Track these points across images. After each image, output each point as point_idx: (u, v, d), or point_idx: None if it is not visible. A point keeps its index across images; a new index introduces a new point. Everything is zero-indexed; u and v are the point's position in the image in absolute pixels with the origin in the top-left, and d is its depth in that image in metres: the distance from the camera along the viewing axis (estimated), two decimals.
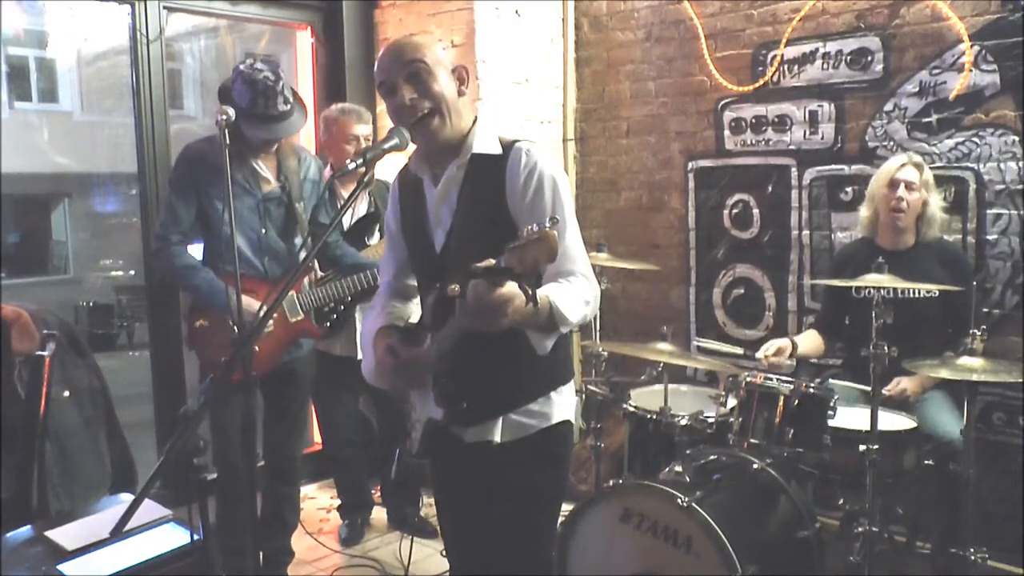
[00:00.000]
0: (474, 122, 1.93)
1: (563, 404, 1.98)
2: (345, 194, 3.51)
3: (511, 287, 1.52)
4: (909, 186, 3.05)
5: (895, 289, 2.91)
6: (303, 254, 3.04)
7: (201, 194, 2.91)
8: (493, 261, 1.49)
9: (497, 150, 1.89)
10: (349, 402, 3.70)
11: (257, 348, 2.89)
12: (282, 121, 2.86)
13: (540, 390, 1.94)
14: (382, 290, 2.16)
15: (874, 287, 2.69)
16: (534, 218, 1.72)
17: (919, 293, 3.04)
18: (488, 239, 1.57)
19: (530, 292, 1.52)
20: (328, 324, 3.36)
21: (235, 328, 2.88)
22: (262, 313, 2.81)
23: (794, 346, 3.17)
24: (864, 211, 3.22)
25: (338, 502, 3.87)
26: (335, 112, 3.48)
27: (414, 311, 2.13)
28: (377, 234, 3.46)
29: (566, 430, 2.00)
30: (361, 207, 3.48)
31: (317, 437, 4.48)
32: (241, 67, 2.80)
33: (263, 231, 2.98)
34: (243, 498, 2.85)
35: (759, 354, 3.13)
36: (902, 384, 2.96)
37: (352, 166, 1.77)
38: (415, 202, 2.01)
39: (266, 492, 3.17)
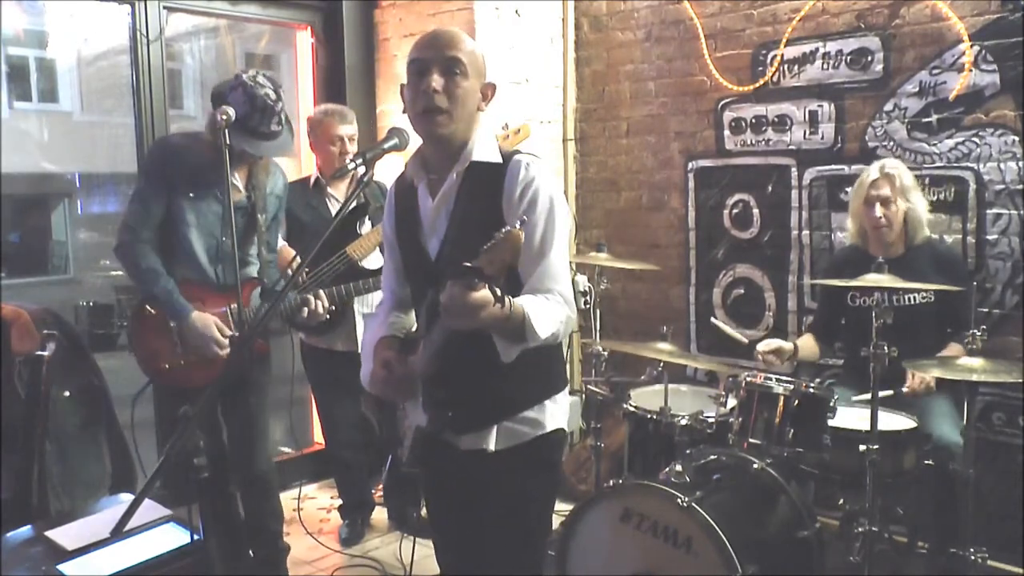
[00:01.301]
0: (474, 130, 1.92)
1: (557, 412, 1.98)
2: (334, 192, 3.53)
3: (484, 293, 1.53)
4: (885, 202, 3.02)
5: (890, 296, 2.90)
6: (294, 261, 3.03)
7: (171, 189, 2.82)
8: (468, 264, 1.50)
9: (497, 159, 1.88)
10: (350, 400, 3.70)
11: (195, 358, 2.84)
12: (270, 140, 2.81)
13: (535, 398, 1.94)
14: (385, 300, 2.16)
15: (870, 292, 2.68)
16: (523, 231, 1.73)
17: (915, 300, 3.03)
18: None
19: (499, 293, 1.53)
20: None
21: (177, 340, 2.82)
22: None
23: (795, 349, 3.17)
24: (850, 223, 3.22)
25: (338, 502, 3.87)
26: (318, 114, 3.51)
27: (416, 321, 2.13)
28: (368, 223, 3.47)
29: (559, 437, 2.00)
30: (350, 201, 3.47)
31: (318, 437, 4.48)
32: (244, 76, 2.74)
33: (223, 239, 2.91)
34: (222, 503, 2.83)
35: (759, 347, 3.14)
36: (918, 375, 2.89)
37: (352, 166, 1.78)
38: (410, 209, 2.00)
39: (246, 506, 3.09)
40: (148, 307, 2.86)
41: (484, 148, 1.89)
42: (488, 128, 1.96)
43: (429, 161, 1.94)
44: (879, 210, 3.03)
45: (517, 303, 1.67)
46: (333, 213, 3.41)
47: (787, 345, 3.15)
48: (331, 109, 3.51)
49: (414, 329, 2.06)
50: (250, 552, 3.07)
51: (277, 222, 3.11)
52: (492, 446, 1.91)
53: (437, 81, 1.80)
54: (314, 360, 3.60)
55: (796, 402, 2.72)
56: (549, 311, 1.76)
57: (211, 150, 2.77)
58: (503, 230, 1.50)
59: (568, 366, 4.05)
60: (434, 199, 1.93)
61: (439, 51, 1.82)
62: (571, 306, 1.84)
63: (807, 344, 3.31)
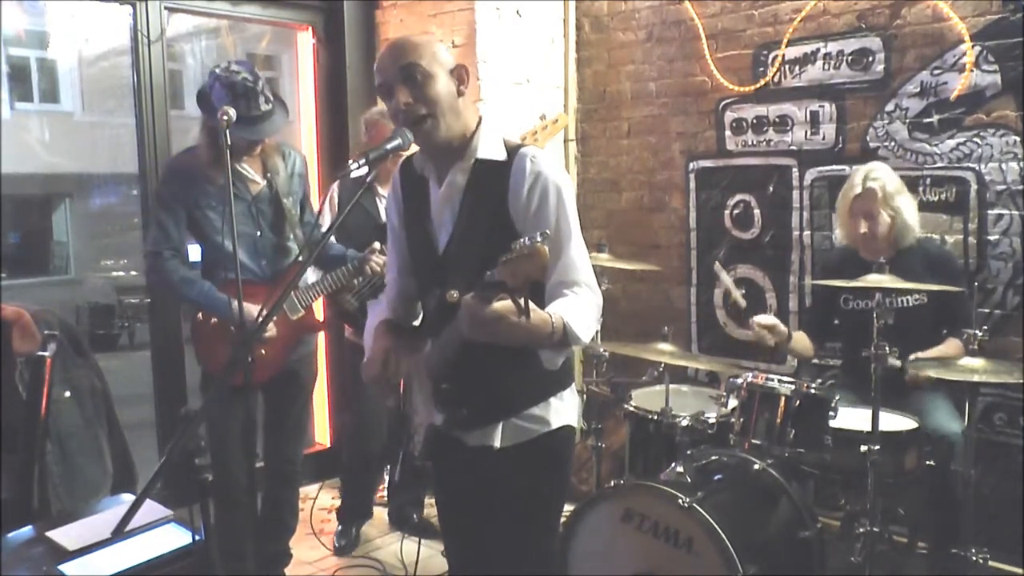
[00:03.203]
0: (478, 124, 1.91)
1: (564, 409, 1.98)
2: (384, 192, 3.51)
3: (504, 303, 1.52)
4: (868, 214, 3.01)
5: (884, 298, 2.89)
6: (298, 253, 3.04)
7: (191, 206, 2.88)
8: (489, 277, 1.49)
9: (502, 155, 1.88)
10: (381, 403, 3.67)
11: (264, 352, 2.88)
12: (265, 121, 2.82)
13: (541, 395, 1.95)
14: (388, 288, 2.16)
15: (863, 295, 2.67)
16: (537, 228, 1.72)
17: (908, 302, 3.02)
18: (490, 245, 1.56)
19: (522, 305, 1.52)
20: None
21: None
22: (263, 316, 2.81)
23: (789, 336, 3.15)
24: (838, 229, 3.22)
25: (339, 502, 3.86)
26: (374, 115, 3.53)
27: (419, 312, 2.13)
28: None
29: (567, 434, 2.00)
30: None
31: (319, 437, 4.48)
32: (217, 71, 2.75)
33: (258, 233, 2.96)
34: (241, 503, 2.84)
35: (755, 318, 3.10)
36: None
37: (355, 167, 1.77)
38: (418, 199, 2.00)
39: (266, 496, 3.15)
40: (199, 316, 2.91)
41: (489, 145, 1.89)
42: (492, 124, 1.95)
43: (434, 158, 1.94)
44: (863, 225, 3.02)
45: (556, 314, 1.68)
46: (382, 211, 3.42)
47: (783, 326, 3.12)
48: (386, 111, 3.50)
49: (418, 323, 2.06)
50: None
51: (308, 200, 3.15)
52: (498, 443, 1.91)
53: (404, 95, 1.81)
54: (356, 358, 3.57)
55: (797, 402, 2.72)
56: (584, 310, 1.77)
57: (212, 158, 2.81)
58: (526, 242, 1.46)
59: None
60: (441, 193, 1.93)
61: (394, 66, 1.82)
62: (596, 292, 1.85)
63: (800, 340, 3.30)
